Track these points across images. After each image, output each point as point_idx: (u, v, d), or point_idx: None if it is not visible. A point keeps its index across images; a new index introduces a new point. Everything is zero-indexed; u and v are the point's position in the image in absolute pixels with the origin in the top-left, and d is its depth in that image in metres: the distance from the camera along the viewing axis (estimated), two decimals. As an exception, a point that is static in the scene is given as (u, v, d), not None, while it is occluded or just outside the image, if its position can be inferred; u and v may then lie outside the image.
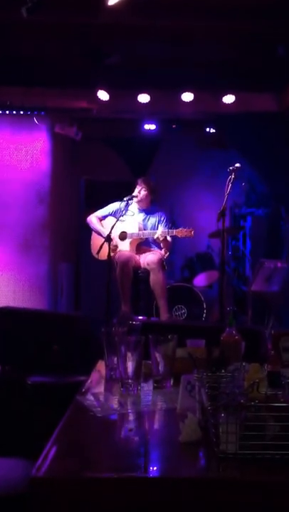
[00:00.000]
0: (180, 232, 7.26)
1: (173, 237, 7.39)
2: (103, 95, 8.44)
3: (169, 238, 7.41)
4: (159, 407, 2.44)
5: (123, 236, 7.50)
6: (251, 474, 1.71)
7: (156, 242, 7.53)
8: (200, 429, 1.94)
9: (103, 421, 2.23)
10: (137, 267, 7.52)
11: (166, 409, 2.39)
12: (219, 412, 1.82)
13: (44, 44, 7.52)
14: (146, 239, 7.57)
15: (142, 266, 7.50)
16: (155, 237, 7.34)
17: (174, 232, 7.29)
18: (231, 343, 2.78)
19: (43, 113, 8.83)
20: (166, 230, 7.35)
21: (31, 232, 8.92)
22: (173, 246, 7.89)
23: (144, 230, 7.56)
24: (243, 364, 2.30)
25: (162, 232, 7.30)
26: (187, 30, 7.17)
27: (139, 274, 7.55)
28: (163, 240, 7.31)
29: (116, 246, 7.45)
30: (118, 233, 7.47)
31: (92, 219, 7.74)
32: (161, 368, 2.71)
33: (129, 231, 7.51)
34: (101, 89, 8.39)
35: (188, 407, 2.19)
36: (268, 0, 6.36)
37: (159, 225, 7.53)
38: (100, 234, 7.52)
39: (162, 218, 7.64)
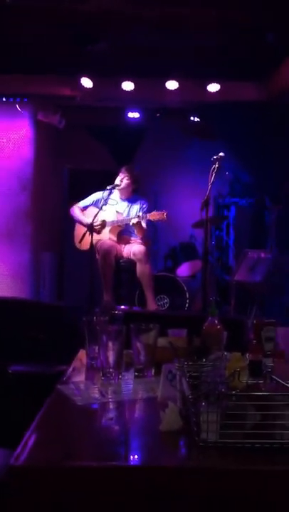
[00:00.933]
0: (153, 215, 7.24)
1: (153, 225, 7.37)
2: (87, 82, 8.42)
3: (144, 225, 7.39)
4: (140, 396, 2.43)
5: (103, 224, 7.49)
6: (232, 463, 1.70)
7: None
8: (181, 418, 1.93)
9: (84, 410, 2.22)
10: (119, 257, 7.51)
11: (147, 399, 2.38)
12: (200, 401, 1.81)
13: (28, 30, 7.47)
14: (127, 227, 7.56)
15: (126, 256, 7.50)
16: (130, 223, 7.33)
17: (148, 216, 7.26)
18: (213, 332, 2.78)
19: (26, 100, 8.78)
20: (140, 215, 7.33)
21: (13, 220, 8.88)
22: (156, 235, 7.88)
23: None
24: (225, 353, 2.29)
25: (137, 216, 7.29)
26: (173, 17, 7.15)
27: (121, 264, 7.55)
28: (137, 225, 7.29)
29: (98, 233, 7.43)
30: (99, 224, 7.45)
31: (75, 209, 7.72)
32: (142, 357, 2.70)
33: (108, 219, 7.50)
34: (85, 76, 8.35)
35: (169, 396, 2.18)
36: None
37: (139, 212, 7.52)
38: (82, 223, 7.50)
39: (144, 206, 7.62)
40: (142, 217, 7.28)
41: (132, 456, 1.81)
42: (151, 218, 7.24)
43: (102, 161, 10.23)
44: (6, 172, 8.87)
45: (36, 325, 4.81)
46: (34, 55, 7.96)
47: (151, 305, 7.39)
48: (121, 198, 7.67)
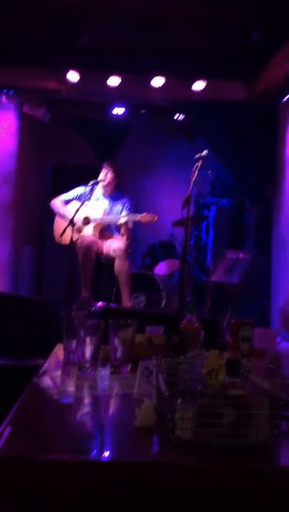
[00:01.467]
0: (144, 217, 7.25)
1: (136, 223, 7.38)
2: (73, 76, 8.39)
3: (130, 225, 7.41)
4: (116, 391, 2.43)
5: (86, 221, 7.47)
6: (205, 461, 1.71)
7: (119, 228, 7.52)
8: (156, 415, 1.93)
9: (59, 404, 2.23)
10: (100, 253, 7.51)
11: (123, 394, 2.39)
12: (176, 398, 1.81)
13: (14, 21, 7.44)
14: (109, 225, 7.56)
15: (105, 252, 7.49)
16: (118, 223, 7.33)
17: (138, 217, 7.28)
18: (191, 330, 2.79)
19: (11, 92, 8.74)
20: (131, 215, 7.34)
21: (-5, 213, 8.85)
22: (136, 233, 7.89)
23: (109, 215, 7.54)
24: (203, 351, 2.30)
25: (127, 217, 7.29)
26: (161, 13, 7.15)
27: (102, 260, 7.54)
28: (125, 225, 7.30)
29: (80, 229, 7.41)
30: (82, 218, 7.43)
31: (56, 202, 7.70)
32: (119, 353, 2.71)
33: (92, 216, 7.49)
34: (71, 69, 8.33)
35: (144, 392, 2.18)
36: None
37: (123, 211, 7.53)
38: (64, 217, 7.48)
39: (126, 205, 7.63)
40: (132, 218, 7.29)
41: (105, 451, 1.81)
42: (142, 220, 7.25)
43: (86, 156, 10.21)
44: (-12, 164, 8.84)
45: (11, 318, 4.80)
46: (21, 47, 7.93)
47: (127, 302, 7.38)
48: (104, 195, 7.65)
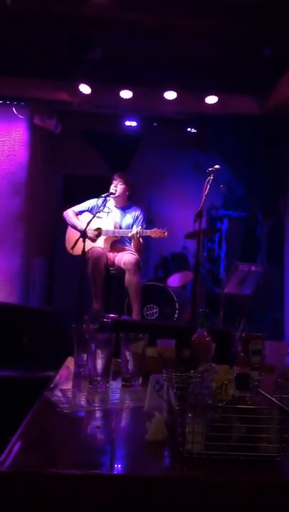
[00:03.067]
0: (154, 232, 7.25)
1: (147, 236, 7.38)
2: (85, 89, 8.42)
3: (140, 240, 7.41)
4: (127, 405, 2.43)
5: (98, 233, 7.48)
6: (215, 475, 1.71)
7: (131, 241, 7.52)
8: (166, 429, 1.93)
9: (70, 417, 2.22)
10: (110, 265, 7.51)
11: (134, 408, 2.38)
12: (186, 412, 1.81)
13: (27, 33, 7.48)
14: (121, 236, 7.56)
15: (117, 264, 7.49)
16: (129, 235, 7.33)
17: (148, 232, 7.27)
18: (202, 344, 2.79)
19: (22, 103, 8.78)
20: (141, 230, 7.33)
21: (5, 224, 8.85)
22: (149, 245, 7.89)
23: (120, 228, 7.54)
24: (213, 365, 2.29)
25: (136, 231, 7.29)
26: (173, 26, 7.17)
27: (111, 272, 7.55)
28: (135, 238, 7.30)
29: (91, 241, 7.41)
30: (93, 229, 7.44)
31: (69, 213, 7.71)
32: (130, 366, 2.71)
33: (104, 228, 7.50)
34: (83, 82, 8.36)
35: (155, 406, 2.18)
36: (255, 0, 6.37)
37: (134, 224, 7.53)
38: (75, 228, 7.49)
39: (139, 216, 7.62)
40: (142, 233, 7.29)
41: (116, 465, 1.81)
42: (152, 235, 7.25)
43: (97, 167, 10.23)
44: (0, 175, 8.85)
45: (21, 330, 4.80)
46: (33, 58, 7.97)
47: (136, 315, 7.37)
48: (116, 207, 7.66)
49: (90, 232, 7.34)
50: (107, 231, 7.48)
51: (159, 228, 7.30)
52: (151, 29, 7.27)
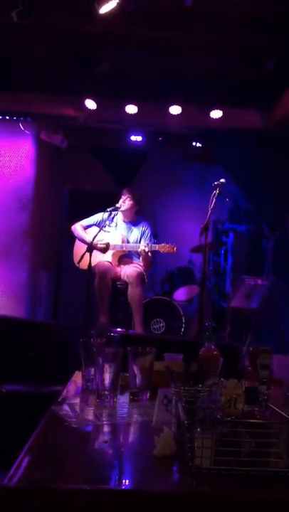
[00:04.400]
0: (162, 247, 7.25)
1: (155, 251, 7.37)
2: (91, 104, 8.44)
3: (149, 254, 7.40)
4: (135, 419, 2.42)
5: (106, 247, 7.49)
6: (225, 490, 1.70)
7: (138, 255, 7.51)
8: (175, 443, 1.93)
9: (78, 432, 2.21)
10: (117, 279, 7.51)
11: (142, 422, 2.37)
12: (195, 427, 1.80)
13: (33, 49, 7.51)
14: (129, 251, 7.56)
15: (122, 278, 7.49)
16: (139, 250, 7.33)
17: (157, 247, 7.27)
18: (210, 358, 2.78)
19: (29, 119, 8.81)
20: (149, 245, 7.32)
21: (12, 238, 8.87)
22: (154, 259, 7.87)
23: (128, 242, 7.54)
24: (221, 379, 2.29)
25: (145, 246, 7.28)
26: (178, 41, 7.20)
27: (118, 286, 7.54)
28: (144, 253, 7.29)
29: (102, 248, 7.41)
30: (101, 243, 7.44)
31: (77, 227, 7.72)
32: (138, 380, 2.70)
33: (112, 242, 7.50)
34: (89, 97, 8.38)
35: (163, 420, 2.18)
36: (258, 14, 6.39)
37: (142, 239, 7.52)
38: (83, 241, 7.50)
39: (146, 231, 7.62)
40: (151, 248, 7.28)
41: (124, 480, 1.80)
42: (161, 250, 7.24)
43: (103, 182, 10.26)
44: (7, 190, 8.87)
45: (28, 344, 4.80)
46: (39, 74, 8.00)
47: (138, 328, 7.36)
48: (124, 221, 7.67)
49: (99, 244, 7.34)
50: (115, 245, 7.48)
51: (167, 243, 7.29)
52: (156, 44, 7.30)
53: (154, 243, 7.41)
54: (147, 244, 7.32)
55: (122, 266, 7.55)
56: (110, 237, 7.52)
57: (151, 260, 7.59)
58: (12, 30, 6.86)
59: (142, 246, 7.28)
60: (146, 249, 7.24)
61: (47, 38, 7.27)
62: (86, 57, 7.62)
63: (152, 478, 1.82)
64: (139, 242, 7.47)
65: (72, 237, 7.81)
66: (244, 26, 6.69)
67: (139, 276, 7.33)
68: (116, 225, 7.61)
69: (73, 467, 1.87)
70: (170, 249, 7.22)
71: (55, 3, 6.38)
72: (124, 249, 7.50)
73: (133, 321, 7.56)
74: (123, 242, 7.52)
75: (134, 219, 7.72)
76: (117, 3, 5.60)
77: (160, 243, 7.34)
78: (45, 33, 7.11)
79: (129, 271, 7.39)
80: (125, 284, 7.46)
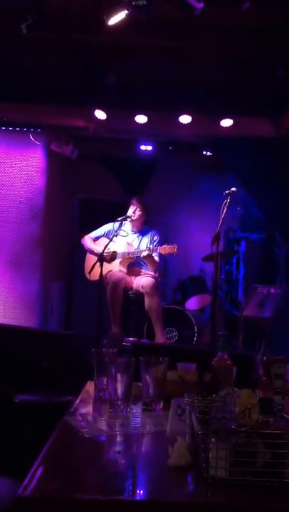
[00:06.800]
0: (163, 248, 7.24)
1: (163, 258, 7.36)
2: (100, 114, 8.45)
3: (156, 258, 7.39)
4: (148, 429, 2.41)
5: (114, 256, 7.49)
6: (240, 500, 1.69)
7: (146, 263, 7.51)
8: (189, 454, 1.91)
9: (91, 442, 2.21)
10: (129, 288, 7.51)
11: (155, 432, 2.36)
12: (210, 437, 1.79)
13: (42, 61, 7.53)
14: (138, 259, 7.55)
15: (135, 288, 7.49)
16: (142, 255, 7.33)
17: (158, 249, 7.26)
18: (223, 367, 2.76)
19: (39, 130, 8.82)
20: (151, 248, 7.32)
21: (23, 248, 8.87)
22: (166, 268, 7.87)
23: (135, 249, 7.55)
24: (235, 389, 2.27)
25: (147, 249, 7.28)
26: (187, 51, 7.20)
27: (130, 296, 7.54)
28: (149, 258, 7.29)
29: (108, 265, 7.42)
30: (109, 253, 7.45)
31: (86, 239, 7.75)
32: (151, 390, 2.69)
33: (119, 251, 7.51)
34: (98, 108, 8.39)
35: (177, 430, 2.16)
36: (268, 22, 6.39)
37: (150, 245, 7.52)
38: (93, 253, 7.51)
39: (155, 238, 7.62)
40: (153, 250, 7.27)
41: (138, 491, 1.80)
42: (162, 252, 7.23)
43: (113, 192, 10.27)
44: (18, 201, 8.88)
45: (40, 354, 4.80)
46: (48, 85, 8.01)
47: (160, 338, 7.37)
48: (132, 230, 7.68)
49: (106, 258, 7.34)
50: (122, 253, 7.49)
51: (168, 244, 7.28)
52: (166, 54, 7.31)
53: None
54: (149, 248, 7.32)
55: (132, 275, 7.55)
56: (119, 246, 7.53)
57: (159, 265, 7.58)
58: (22, 42, 6.88)
59: (145, 251, 7.28)
60: (148, 252, 7.24)
61: (57, 50, 7.28)
62: (96, 67, 7.64)
63: (167, 488, 1.82)
64: None
65: (83, 248, 7.82)
66: (254, 34, 6.69)
67: (155, 286, 7.33)
68: (126, 235, 7.62)
69: (87, 477, 1.86)
70: (171, 249, 7.21)
71: (65, 15, 6.39)
72: (130, 255, 7.50)
73: (146, 329, 7.56)
74: (129, 249, 7.52)
75: (142, 228, 7.72)
76: (126, 15, 5.60)
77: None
78: (55, 44, 7.12)
79: (143, 281, 7.40)
80: (137, 293, 7.45)
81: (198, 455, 1.85)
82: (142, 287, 7.36)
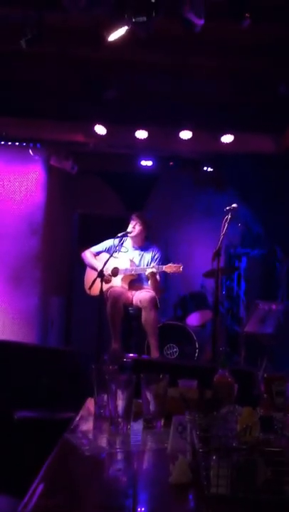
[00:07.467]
0: (169, 267, 7.23)
1: (164, 273, 7.35)
2: (100, 130, 8.46)
3: (157, 277, 7.38)
4: (149, 447, 2.40)
5: (115, 272, 7.49)
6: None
7: (148, 279, 7.51)
8: (190, 471, 1.90)
9: (91, 460, 2.20)
10: (129, 304, 7.50)
11: (156, 450, 2.35)
12: (211, 455, 1.79)
13: (42, 76, 7.55)
14: (139, 275, 7.55)
15: (135, 303, 7.49)
16: (146, 273, 7.33)
17: (163, 267, 7.26)
18: (224, 384, 2.75)
19: (38, 145, 8.84)
20: (156, 266, 7.32)
21: (23, 264, 8.88)
22: (167, 284, 7.85)
23: (137, 266, 7.54)
24: (236, 407, 2.27)
25: (152, 268, 7.28)
26: (187, 67, 7.24)
27: (130, 311, 7.53)
28: (151, 276, 7.28)
29: (108, 281, 7.42)
30: (110, 269, 7.45)
31: (87, 254, 7.74)
32: (152, 407, 2.67)
33: (121, 267, 7.50)
34: (99, 123, 8.41)
35: (178, 448, 2.16)
36: (269, 39, 6.41)
37: (152, 262, 7.52)
38: (93, 268, 7.50)
39: (156, 255, 7.62)
40: (158, 269, 7.27)
41: (139, 509, 1.78)
42: (167, 271, 7.22)
43: (113, 207, 10.27)
44: (18, 216, 8.89)
45: (40, 370, 4.78)
46: (48, 100, 8.04)
47: (155, 353, 7.35)
48: (133, 247, 7.68)
49: (107, 274, 7.33)
50: (124, 270, 7.49)
51: (173, 263, 7.28)
52: (166, 69, 7.34)
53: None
54: (154, 266, 7.32)
55: (133, 291, 7.54)
56: (120, 262, 7.52)
57: (160, 284, 7.58)
58: (22, 57, 6.90)
59: (149, 269, 7.28)
60: (154, 271, 7.24)
61: (57, 65, 7.31)
62: (96, 83, 7.66)
63: (168, 506, 1.81)
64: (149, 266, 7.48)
65: (83, 262, 7.82)
66: (255, 51, 6.71)
67: (153, 301, 7.32)
68: (127, 251, 7.62)
69: (87, 495, 1.86)
70: (176, 268, 7.20)
71: (65, 30, 6.42)
72: (133, 272, 7.50)
73: (146, 345, 7.55)
74: (131, 265, 7.52)
75: (143, 244, 7.72)
76: (126, 31, 5.62)
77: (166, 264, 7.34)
78: (55, 59, 7.15)
79: (141, 295, 7.40)
80: (137, 309, 7.45)
81: (199, 473, 1.85)
82: (140, 302, 7.36)
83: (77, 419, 2.85)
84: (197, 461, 1.89)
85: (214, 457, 1.78)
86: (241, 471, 1.78)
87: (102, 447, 2.35)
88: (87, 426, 2.76)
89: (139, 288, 7.57)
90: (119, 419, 2.57)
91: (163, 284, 7.70)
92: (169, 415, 2.41)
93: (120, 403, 2.57)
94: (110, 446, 2.38)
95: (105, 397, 2.74)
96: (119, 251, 7.55)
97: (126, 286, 7.51)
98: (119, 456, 2.30)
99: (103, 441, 2.44)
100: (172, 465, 1.94)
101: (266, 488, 1.76)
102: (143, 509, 1.79)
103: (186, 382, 3.03)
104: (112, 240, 7.62)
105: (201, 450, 1.85)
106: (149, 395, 2.67)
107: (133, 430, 2.61)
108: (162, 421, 2.67)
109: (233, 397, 2.74)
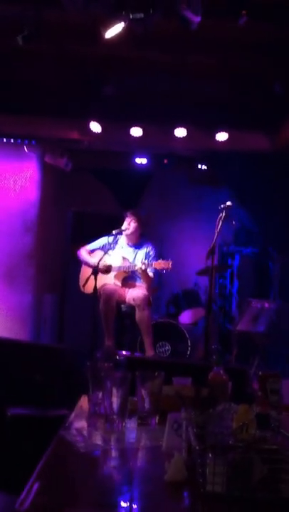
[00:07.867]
0: (158, 264, 7.22)
1: (159, 271, 7.34)
2: (95, 127, 8.45)
3: (150, 274, 7.37)
4: (144, 444, 2.40)
5: (108, 269, 7.48)
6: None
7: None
8: (186, 469, 1.90)
9: (86, 457, 2.19)
10: (122, 302, 7.49)
11: (151, 447, 2.35)
12: (207, 453, 1.78)
13: (38, 73, 7.54)
14: (133, 273, 7.54)
15: (127, 301, 7.48)
16: (136, 268, 7.32)
17: (153, 264, 7.24)
18: (219, 382, 2.75)
19: (33, 142, 8.82)
20: (146, 263, 7.30)
21: (16, 261, 8.86)
22: (160, 281, 7.84)
23: (131, 263, 7.53)
24: (232, 404, 2.26)
25: (141, 264, 7.26)
26: (183, 65, 7.23)
27: (123, 309, 7.53)
28: (143, 273, 7.27)
29: (102, 278, 7.40)
30: (104, 266, 7.44)
31: (82, 251, 7.73)
32: (146, 404, 2.67)
33: (114, 264, 7.49)
34: (94, 120, 8.39)
35: (174, 446, 2.16)
36: (265, 37, 6.41)
37: (146, 259, 7.51)
38: (88, 265, 7.49)
39: (151, 252, 7.60)
40: (147, 265, 7.26)
41: (134, 506, 1.78)
42: (157, 267, 7.20)
43: (107, 204, 10.26)
44: (11, 213, 8.88)
45: (34, 367, 4.77)
46: (43, 97, 8.02)
47: (149, 351, 7.35)
48: (128, 244, 7.66)
49: (100, 271, 7.32)
50: (117, 267, 7.48)
51: (162, 259, 7.27)
52: (162, 67, 7.33)
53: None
54: (144, 263, 7.31)
55: (126, 289, 7.54)
56: (114, 259, 7.51)
57: (154, 281, 7.56)
58: (18, 54, 6.89)
59: (139, 265, 7.27)
60: (143, 267, 7.23)
61: (53, 62, 7.29)
62: (92, 80, 7.65)
63: (163, 504, 1.81)
64: None
65: (76, 260, 7.81)
66: (250, 49, 6.72)
67: (146, 299, 7.32)
68: (122, 248, 7.62)
69: (83, 493, 1.85)
70: (165, 265, 7.18)
71: (61, 27, 6.41)
72: (124, 269, 7.49)
73: (139, 343, 7.55)
74: (124, 263, 7.51)
75: (138, 241, 7.71)
76: (123, 28, 5.61)
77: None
78: (51, 56, 7.14)
79: (134, 293, 7.39)
80: (130, 307, 7.45)
81: (195, 470, 1.84)
82: (133, 300, 7.35)
83: (72, 416, 2.85)
84: (193, 459, 1.89)
85: (210, 455, 1.78)
86: (237, 468, 1.78)
87: (97, 444, 2.35)
88: (82, 423, 2.75)
89: (133, 285, 7.56)
90: (114, 417, 2.57)
91: (157, 282, 7.69)
92: (164, 413, 2.40)
93: (115, 400, 2.57)
94: (105, 443, 2.37)
95: (100, 394, 2.74)
96: (114, 248, 7.55)
97: (119, 284, 7.50)
98: (114, 454, 2.30)
99: (98, 439, 2.43)
100: (168, 462, 1.94)
101: (262, 486, 1.76)
102: (138, 506, 1.79)
103: (180, 380, 3.03)
104: (107, 237, 7.61)
105: (196, 448, 1.84)
106: (144, 393, 2.67)
107: (128, 427, 2.61)
108: (157, 418, 2.67)
109: (227, 395, 2.74)
